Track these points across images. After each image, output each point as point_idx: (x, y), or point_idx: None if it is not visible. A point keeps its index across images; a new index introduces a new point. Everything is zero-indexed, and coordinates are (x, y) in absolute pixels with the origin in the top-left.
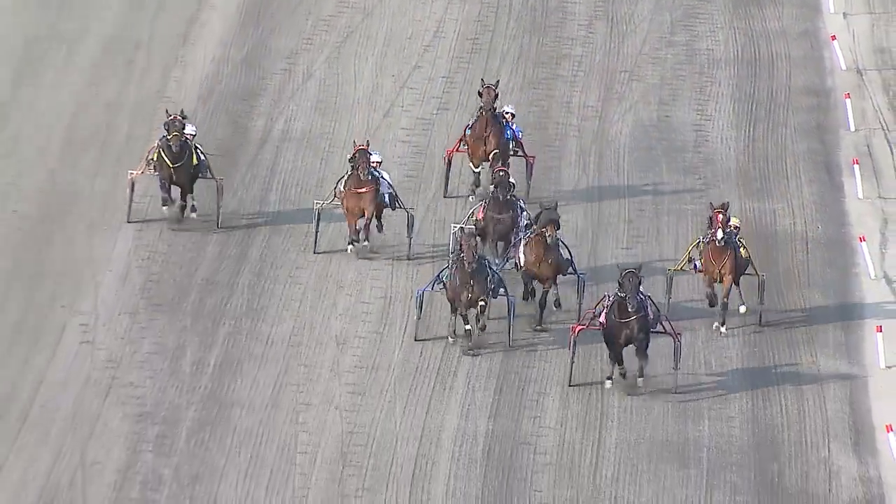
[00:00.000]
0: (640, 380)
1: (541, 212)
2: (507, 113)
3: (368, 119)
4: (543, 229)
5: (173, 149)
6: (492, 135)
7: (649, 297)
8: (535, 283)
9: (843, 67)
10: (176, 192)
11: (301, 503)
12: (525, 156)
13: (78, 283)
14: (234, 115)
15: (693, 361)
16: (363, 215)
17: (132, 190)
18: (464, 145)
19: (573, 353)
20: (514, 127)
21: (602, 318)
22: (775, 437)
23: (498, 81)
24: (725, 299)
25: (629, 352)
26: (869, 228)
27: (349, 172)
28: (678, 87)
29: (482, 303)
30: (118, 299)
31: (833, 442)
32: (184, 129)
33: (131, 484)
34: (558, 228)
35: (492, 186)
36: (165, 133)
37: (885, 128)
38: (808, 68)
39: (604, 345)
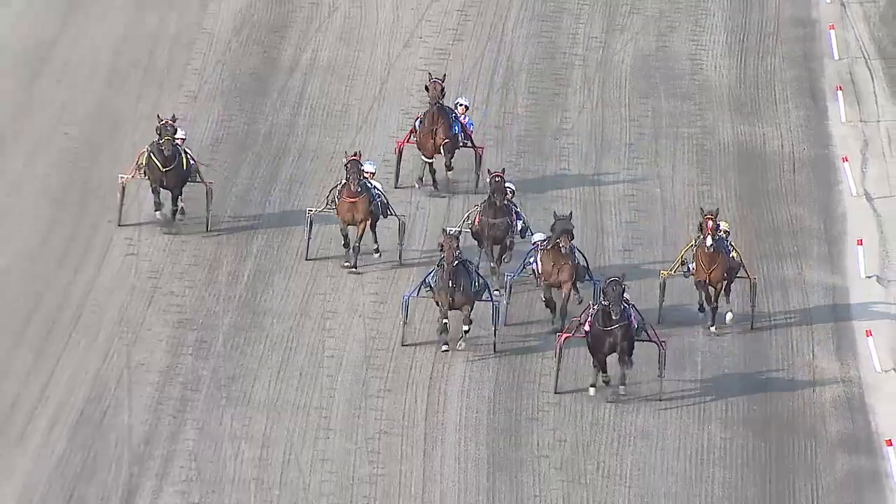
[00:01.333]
0: (622, 388)
1: (555, 222)
2: (460, 105)
3: (389, 49)
4: (558, 240)
5: (165, 153)
6: (440, 128)
7: (633, 305)
8: (554, 291)
9: (828, 0)
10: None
11: (328, 402)
12: (474, 147)
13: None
14: (266, 45)
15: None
16: (355, 223)
17: (122, 194)
18: (413, 137)
19: (559, 360)
20: (465, 119)
21: (587, 327)
22: (761, 341)
23: (445, 76)
24: (716, 303)
25: (613, 359)
26: (851, 149)
27: (342, 182)
28: (675, 19)
29: (465, 313)
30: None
31: (817, 345)
32: (175, 133)
33: (172, 384)
34: (572, 238)
35: (489, 191)
36: (157, 137)
37: (866, 56)
38: (795, 1)
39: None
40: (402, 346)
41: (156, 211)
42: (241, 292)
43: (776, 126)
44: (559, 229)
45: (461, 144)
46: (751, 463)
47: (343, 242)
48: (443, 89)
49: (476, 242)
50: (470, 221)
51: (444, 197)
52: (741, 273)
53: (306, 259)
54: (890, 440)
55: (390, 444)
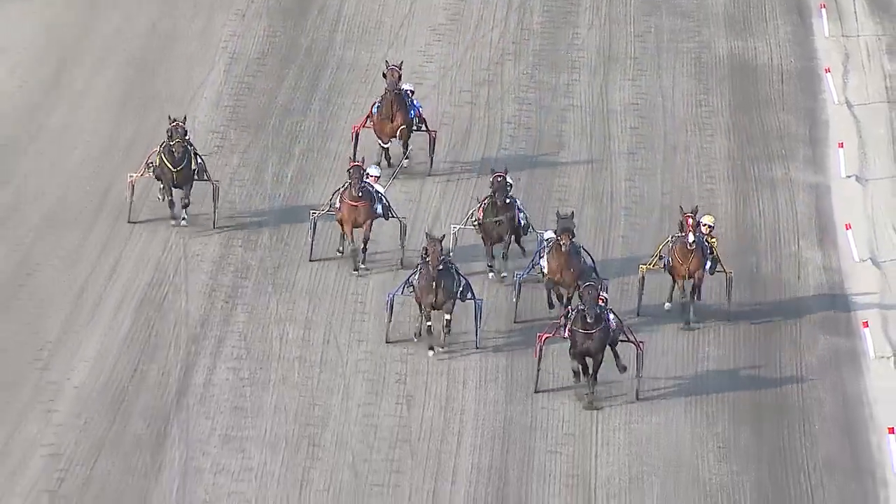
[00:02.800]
0: (594, 391)
1: (557, 220)
2: (408, 90)
3: None
4: (559, 238)
5: (175, 154)
6: (398, 113)
7: (611, 309)
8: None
9: None
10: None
11: (363, 288)
12: (428, 130)
13: (179, 107)
14: None
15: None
16: (358, 226)
17: (132, 192)
18: (370, 122)
19: (539, 360)
20: (415, 103)
21: (567, 329)
22: (753, 234)
23: (401, 63)
24: (691, 298)
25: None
26: (833, 62)
27: (345, 185)
28: None
29: (447, 315)
30: (211, 120)
31: (802, 238)
32: (185, 135)
33: (224, 272)
34: (573, 237)
35: (490, 190)
36: (168, 139)
37: None
38: None
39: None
40: (387, 343)
41: (170, 209)
42: (285, 191)
43: (766, 41)
44: (560, 228)
45: (416, 129)
46: (742, 341)
47: (338, 246)
48: (400, 76)
49: (481, 239)
50: (474, 219)
51: (429, 178)
52: (718, 268)
53: (310, 260)
54: (866, 322)
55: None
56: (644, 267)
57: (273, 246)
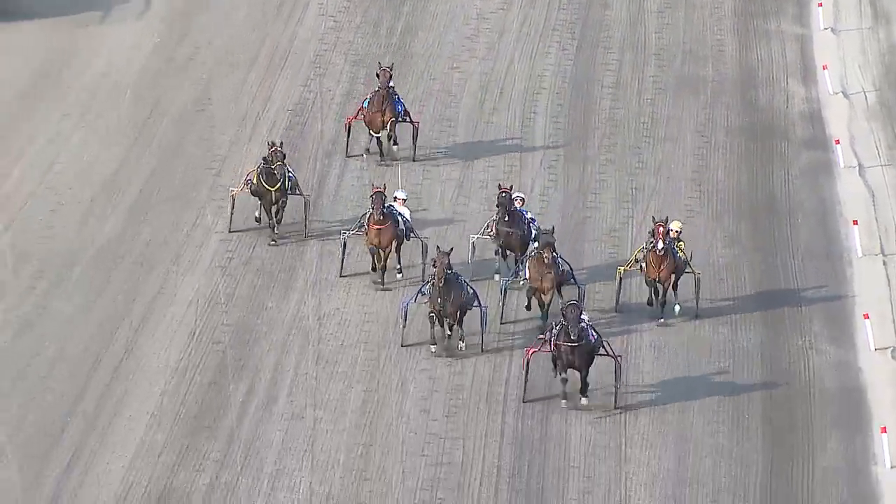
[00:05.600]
0: (583, 400)
1: (538, 235)
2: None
3: None
4: (542, 251)
5: (276, 175)
6: (387, 108)
7: (591, 324)
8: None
9: None
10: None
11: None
12: (411, 122)
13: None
14: None
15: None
16: (382, 247)
17: (233, 204)
18: (361, 115)
19: (527, 373)
20: (399, 98)
21: (551, 344)
22: (752, 73)
23: (393, 64)
24: (664, 299)
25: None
26: None
27: (369, 211)
28: None
29: (450, 321)
30: None
31: (790, 76)
32: (283, 159)
33: (349, 105)
34: (554, 251)
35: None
36: (266, 161)
37: None
38: None
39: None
40: (402, 346)
41: (258, 220)
42: (396, 40)
43: None
44: (543, 242)
45: (402, 120)
46: (742, 159)
47: (371, 265)
48: (390, 76)
49: (494, 248)
50: (489, 230)
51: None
52: (687, 269)
53: (340, 276)
54: (838, 139)
55: None
56: (621, 269)
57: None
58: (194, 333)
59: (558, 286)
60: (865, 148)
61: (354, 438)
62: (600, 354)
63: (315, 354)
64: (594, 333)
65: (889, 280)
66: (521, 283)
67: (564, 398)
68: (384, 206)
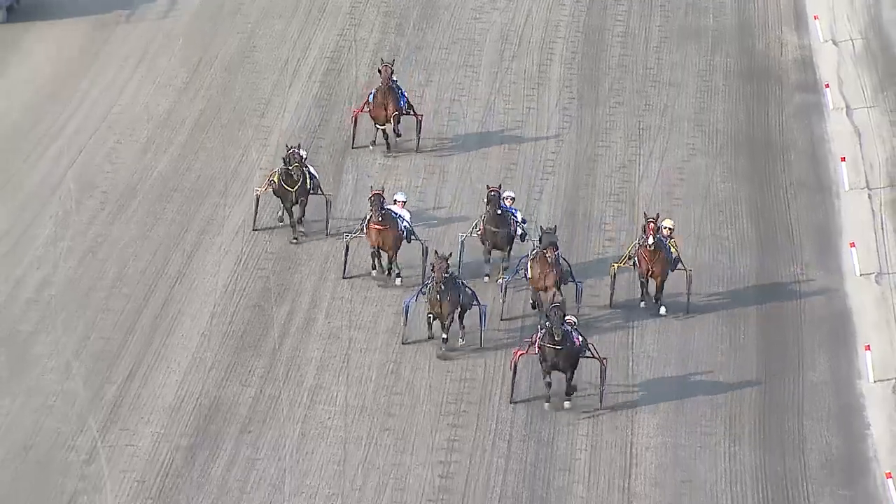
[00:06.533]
0: (566, 403)
1: (542, 235)
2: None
3: None
4: (545, 251)
5: (294, 177)
6: (390, 102)
7: (576, 328)
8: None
9: None
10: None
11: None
12: (415, 115)
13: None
14: None
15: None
16: (384, 248)
17: (257, 203)
18: (367, 108)
19: (514, 373)
20: (402, 93)
21: (537, 346)
22: (749, 23)
23: (394, 60)
24: (657, 293)
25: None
26: None
27: (370, 212)
28: None
29: (448, 321)
30: None
31: (784, 26)
32: (302, 160)
33: (381, 52)
34: (557, 250)
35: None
36: (286, 163)
37: None
38: None
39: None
40: (403, 344)
41: (280, 219)
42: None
43: None
44: (546, 242)
45: (405, 113)
46: (740, 101)
47: (371, 264)
48: (392, 72)
49: (482, 245)
50: (478, 229)
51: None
52: (679, 266)
53: (343, 277)
54: (828, 83)
55: None
56: (615, 265)
57: (415, 34)
58: (240, 260)
59: (558, 285)
60: (853, 91)
61: (385, 356)
62: (585, 356)
63: (349, 281)
64: (579, 336)
65: (873, 211)
66: (523, 279)
67: (548, 400)
68: (382, 208)
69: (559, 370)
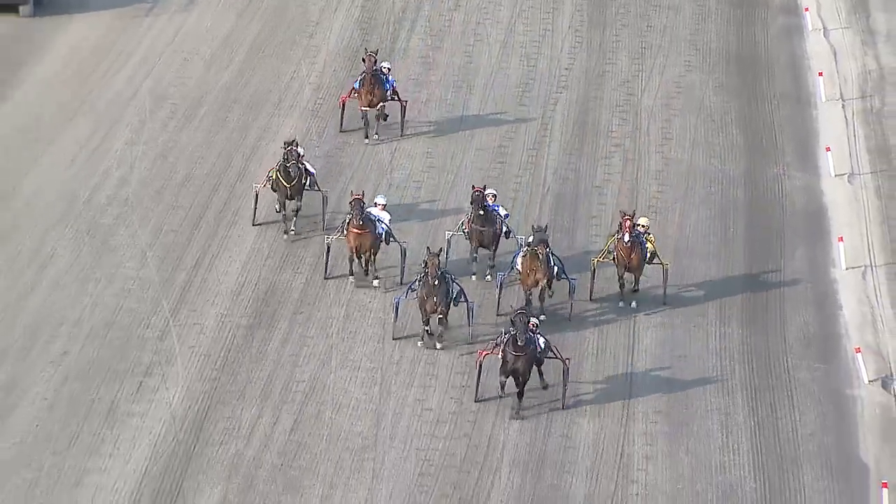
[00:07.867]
0: (518, 410)
1: (534, 233)
2: (385, 68)
3: None
4: (536, 248)
5: (291, 173)
6: (376, 89)
7: (539, 332)
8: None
9: None
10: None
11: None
12: (399, 100)
13: None
14: None
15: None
16: (363, 250)
17: (256, 200)
18: (354, 94)
19: (479, 373)
20: (390, 79)
21: (501, 350)
22: None
23: (378, 50)
24: (634, 286)
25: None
26: None
27: (350, 215)
28: None
29: (440, 316)
30: None
31: None
32: (299, 157)
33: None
34: (548, 247)
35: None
36: (284, 159)
37: None
38: None
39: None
40: (393, 339)
41: (278, 211)
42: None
43: None
44: (537, 239)
45: (390, 99)
46: (730, 23)
47: (349, 269)
48: (376, 61)
49: (469, 244)
50: (464, 227)
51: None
52: (655, 260)
53: (325, 278)
54: (807, 7)
55: None
56: (595, 260)
57: None
58: None
59: (548, 281)
60: (829, 14)
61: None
62: (549, 357)
63: (388, 184)
64: (542, 341)
65: (846, 120)
66: (517, 276)
67: (502, 394)
68: (363, 213)
69: (517, 374)
